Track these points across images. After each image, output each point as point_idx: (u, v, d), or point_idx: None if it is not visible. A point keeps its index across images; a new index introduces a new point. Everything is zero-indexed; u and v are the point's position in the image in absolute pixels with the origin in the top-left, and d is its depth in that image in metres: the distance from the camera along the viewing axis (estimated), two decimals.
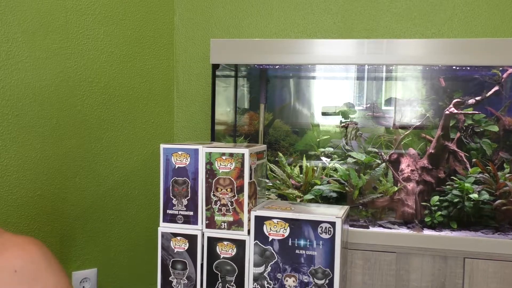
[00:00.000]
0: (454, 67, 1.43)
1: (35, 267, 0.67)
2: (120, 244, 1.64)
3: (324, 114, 1.58)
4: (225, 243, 1.19)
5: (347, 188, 1.46)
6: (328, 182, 1.49)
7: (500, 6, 1.55)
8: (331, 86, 1.66)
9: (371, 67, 1.50)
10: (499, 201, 1.38)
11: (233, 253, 1.19)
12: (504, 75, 1.42)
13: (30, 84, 1.39)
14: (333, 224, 1.12)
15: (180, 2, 1.77)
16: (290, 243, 1.15)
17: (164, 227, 1.23)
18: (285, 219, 1.15)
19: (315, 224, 1.13)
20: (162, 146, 1.22)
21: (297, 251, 1.14)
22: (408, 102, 1.51)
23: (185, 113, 1.79)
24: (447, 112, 1.44)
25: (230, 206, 1.18)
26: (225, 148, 1.19)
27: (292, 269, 1.15)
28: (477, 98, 1.44)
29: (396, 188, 1.45)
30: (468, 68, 1.43)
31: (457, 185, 1.40)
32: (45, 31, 1.40)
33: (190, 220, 1.21)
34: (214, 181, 1.19)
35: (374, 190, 1.47)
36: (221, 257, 1.19)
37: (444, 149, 1.45)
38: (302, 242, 1.14)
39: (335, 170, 1.51)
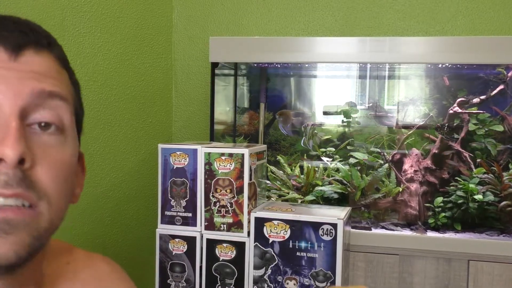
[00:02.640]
0: (458, 66, 1.42)
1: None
2: (117, 246, 1.62)
3: (325, 113, 1.57)
4: (225, 245, 1.18)
5: (349, 189, 1.45)
6: (330, 183, 1.48)
7: (506, 3, 1.54)
8: (333, 85, 1.65)
9: (374, 65, 1.49)
10: (504, 202, 1.36)
11: (233, 255, 1.18)
12: (510, 74, 1.41)
13: None
14: (334, 225, 1.11)
15: None
16: (290, 245, 1.14)
17: (162, 229, 1.22)
18: (286, 221, 1.14)
19: (316, 225, 1.12)
20: (160, 146, 1.22)
21: (298, 253, 1.13)
22: (411, 101, 1.50)
23: (183, 113, 1.78)
24: (451, 111, 1.43)
25: (229, 208, 1.17)
26: (225, 148, 1.18)
27: (292, 271, 1.14)
28: (482, 97, 1.42)
29: (399, 189, 1.44)
30: (473, 66, 1.42)
31: (461, 186, 1.39)
32: None
33: (188, 221, 1.20)
34: (213, 181, 1.18)
35: (376, 191, 1.46)
36: (221, 260, 1.18)
37: (448, 149, 1.44)
38: (303, 244, 1.13)
39: (337, 170, 1.50)
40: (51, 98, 0.51)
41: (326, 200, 1.45)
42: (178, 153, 1.20)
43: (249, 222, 1.16)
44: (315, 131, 1.53)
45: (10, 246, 0.47)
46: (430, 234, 1.38)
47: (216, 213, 1.18)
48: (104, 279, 0.66)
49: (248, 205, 1.17)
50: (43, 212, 0.50)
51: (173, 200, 1.21)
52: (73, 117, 0.55)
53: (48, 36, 0.55)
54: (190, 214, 1.20)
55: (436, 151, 1.45)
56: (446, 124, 1.42)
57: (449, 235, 1.37)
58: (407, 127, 1.49)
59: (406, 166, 1.46)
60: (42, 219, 0.50)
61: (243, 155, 1.16)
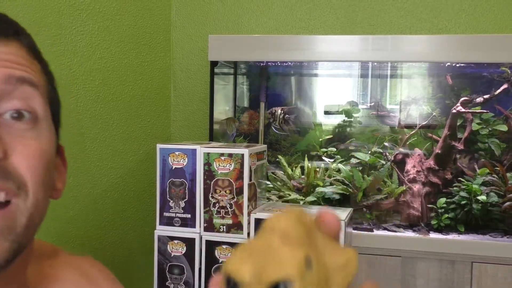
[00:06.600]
0: (461, 64, 1.40)
1: None
2: (115, 248, 1.61)
3: (326, 113, 1.56)
4: (224, 246, 1.17)
5: (350, 190, 1.43)
6: (331, 184, 1.46)
7: (509, 0, 1.52)
8: (334, 84, 1.64)
9: (376, 64, 1.48)
10: (508, 203, 1.35)
11: None
12: None
13: None
14: None
15: None
16: None
17: (161, 230, 1.21)
18: None
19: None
20: (158, 146, 1.20)
21: None
22: (414, 101, 1.49)
23: (182, 112, 1.77)
24: (454, 111, 1.42)
25: (229, 209, 1.16)
26: (224, 148, 1.17)
27: None
28: (485, 96, 1.41)
29: (402, 189, 1.42)
30: (476, 65, 1.40)
31: (464, 187, 1.37)
32: (37, 27, 1.37)
33: (187, 223, 1.19)
34: (212, 182, 1.16)
35: (378, 192, 1.44)
36: (220, 262, 1.17)
37: (451, 149, 1.43)
38: None
39: (338, 170, 1.49)
40: (21, 83, 0.49)
41: (327, 201, 1.44)
42: (176, 153, 1.19)
43: (249, 223, 1.15)
44: (287, 116, 1.52)
45: None
46: (433, 235, 1.36)
47: (215, 214, 1.17)
48: (94, 279, 0.65)
49: (248, 206, 1.15)
50: (20, 207, 0.47)
51: (171, 201, 1.19)
52: (47, 106, 0.53)
53: (15, 25, 0.53)
54: (189, 215, 1.19)
55: (439, 151, 1.43)
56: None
57: (452, 236, 1.35)
58: (409, 126, 1.47)
59: (408, 166, 1.45)
60: (19, 215, 0.47)
61: (242, 155, 1.14)
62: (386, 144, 1.48)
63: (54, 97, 0.56)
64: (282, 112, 1.52)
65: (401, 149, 1.46)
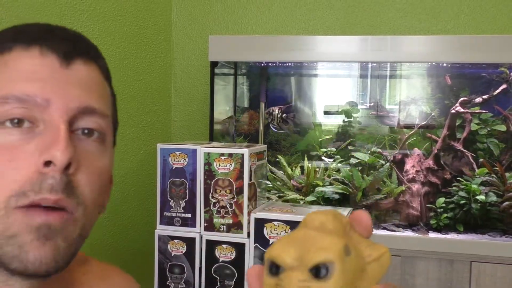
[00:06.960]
0: (460, 65, 1.40)
1: None
2: (116, 248, 1.61)
3: (326, 113, 1.56)
4: (224, 246, 1.17)
5: (350, 190, 1.44)
6: (330, 183, 1.46)
7: (508, 1, 1.53)
8: (334, 84, 1.64)
9: (375, 64, 1.48)
10: (506, 203, 1.35)
11: (233, 257, 1.16)
12: None
13: None
14: None
15: None
16: None
17: (161, 230, 1.20)
18: (286, 222, 1.12)
19: None
20: (159, 146, 1.20)
21: None
22: (413, 101, 1.49)
23: (182, 112, 1.77)
24: (453, 111, 1.42)
25: (229, 208, 1.16)
26: (224, 148, 1.17)
27: None
28: (484, 96, 1.41)
29: (401, 189, 1.43)
30: (475, 65, 1.40)
31: (463, 187, 1.38)
32: None
33: (188, 222, 1.19)
34: (212, 182, 1.16)
35: (378, 192, 1.44)
36: (220, 261, 1.17)
37: (450, 149, 1.43)
38: None
39: (338, 170, 1.49)
40: (95, 113, 0.53)
41: (327, 201, 1.44)
42: (177, 153, 1.19)
43: (249, 223, 1.15)
44: (285, 115, 1.52)
45: (49, 252, 0.47)
46: (432, 235, 1.36)
47: (215, 214, 1.17)
48: None
49: (248, 205, 1.15)
50: (79, 219, 0.50)
51: (172, 200, 1.19)
52: (112, 129, 0.57)
53: (95, 48, 0.58)
54: (189, 215, 1.18)
55: (438, 151, 1.44)
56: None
57: (451, 236, 1.36)
58: (408, 127, 1.48)
59: (407, 166, 1.45)
60: (77, 225, 0.50)
61: (242, 155, 1.14)
62: (372, 145, 1.48)
63: (116, 119, 0.60)
64: (279, 111, 1.52)
65: (379, 149, 1.46)
